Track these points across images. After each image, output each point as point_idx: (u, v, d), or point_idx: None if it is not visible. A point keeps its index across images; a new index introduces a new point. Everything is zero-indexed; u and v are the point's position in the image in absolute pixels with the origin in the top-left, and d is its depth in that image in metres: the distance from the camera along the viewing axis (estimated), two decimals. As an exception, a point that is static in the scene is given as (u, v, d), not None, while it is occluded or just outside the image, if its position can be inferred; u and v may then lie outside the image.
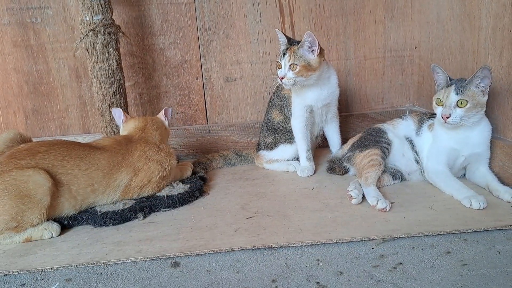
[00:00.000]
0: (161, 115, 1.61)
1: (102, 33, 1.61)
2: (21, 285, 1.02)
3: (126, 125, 1.54)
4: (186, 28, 1.97)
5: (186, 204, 1.44)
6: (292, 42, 1.61)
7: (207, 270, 1.04)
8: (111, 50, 1.65)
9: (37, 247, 1.19)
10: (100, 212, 1.31)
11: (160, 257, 1.10)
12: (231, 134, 2.05)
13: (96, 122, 2.02)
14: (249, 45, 2.00)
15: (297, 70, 1.53)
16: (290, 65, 1.54)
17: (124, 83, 1.74)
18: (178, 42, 1.99)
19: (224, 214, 1.34)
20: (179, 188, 1.46)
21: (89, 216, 1.30)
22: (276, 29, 1.65)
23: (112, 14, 1.68)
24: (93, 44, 1.62)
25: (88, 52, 1.64)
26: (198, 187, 1.51)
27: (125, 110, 1.72)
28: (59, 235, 1.25)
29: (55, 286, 1.00)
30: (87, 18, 1.61)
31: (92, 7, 1.60)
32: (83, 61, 1.93)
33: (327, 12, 1.99)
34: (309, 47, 1.56)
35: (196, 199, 1.48)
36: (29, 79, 1.96)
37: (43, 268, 1.07)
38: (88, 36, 1.61)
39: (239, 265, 1.05)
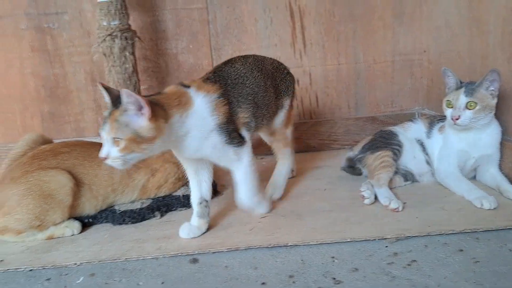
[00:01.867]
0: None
1: (119, 37, 1.66)
2: (46, 280, 1.05)
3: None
4: (199, 33, 2.02)
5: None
6: (117, 101, 1.07)
7: (225, 266, 1.07)
8: (127, 54, 1.69)
9: (59, 244, 1.23)
10: (119, 211, 1.34)
11: (179, 254, 1.13)
12: (242, 137, 2.09)
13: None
14: (260, 50, 2.04)
15: (122, 146, 1.05)
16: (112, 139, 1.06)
17: (140, 87, 1.78)
18: (191, 46, 2.03)
19: (238, 214, 1.37)
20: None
21: (108, 215, 1.34)
22: (99, 83, 1.10)
23: (128, 19, 1.73)
24: (110, 49, 1.67)
25: (105, 56, 1.68)
26: (213, 186, 1.55)
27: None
28: (80, 233, 1.29)
29: (80, 280, 1.03)
30: (105, 23, 1.66)
31: (109, 13, 1.64)
32: (99, 65, 1.97)
33: (337, 17, 2.03)
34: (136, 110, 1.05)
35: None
36: (46, 83, 2.01)
37: (67, 264, 1.11)
38: (105, 40, 1.65)
39: (256, 262, 1.08)
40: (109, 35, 1.65)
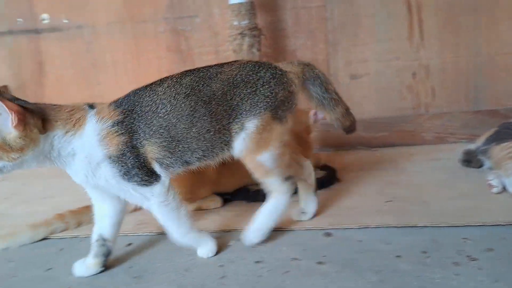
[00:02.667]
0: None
1: (248, 36, 1.83)
2: (202, 242, 1.23)
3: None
4: (316, 29, 2.13)
5: (323, 188, 1.57)
6: None
7: (358, 240, 1.16)
8: (254, 50, 1.86)
9: (206, 214, 1.42)
10: (252, 190, 1.50)
11: (313, 228, 1.25)
12: (355, 129, 2.16)
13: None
14: (375, 44, 2.09)
15: None
16: None
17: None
18: (308, 43, 2.15)
19: (362, 197, 1.46)
20: (318, 174, 1.61)
21: (243, 193, 1.51)
22: None
23: (256, 18, 1.90)
24: (240, 46, 1.85)
25: (235, 53, 1.87)
26: (333, 173, 1.65)
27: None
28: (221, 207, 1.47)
29: (231, 243, 1.20)
30: (236, 23, 1.85)
31: (240, 13, 1.83)
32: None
33: (457, 9, 2.01)
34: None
35: (332, 185, 1.61)
36: (178, 79, 2.26)
37: (215, 230, 1.29)
38: (236, 39, 1.84)
39: (388, 239, 1.15)
40: (240, 33, 1.83)
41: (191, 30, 2.20)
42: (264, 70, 1.13)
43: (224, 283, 1.01)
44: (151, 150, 1.06)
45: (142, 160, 1.05)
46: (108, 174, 1.03)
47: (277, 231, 1.25)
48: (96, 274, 1.11)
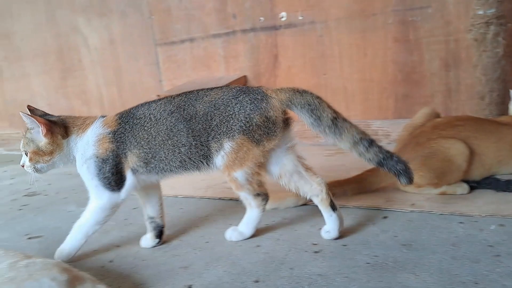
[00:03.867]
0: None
1: (494, 24, 1.80)
2: (459, 223, 1.31)
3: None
4: None
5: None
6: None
7: None
8: (500, 39, 1.81)
9: (452, 199, 1.48)
10: (503, 180, 1.51)
11: None
12: None
13: (458, 107, 2.23)
14: None
15: (29, 157, 1.29)
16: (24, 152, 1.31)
17: (506, 70, 1.88)
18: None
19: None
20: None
21: (492, 182, 1.52)
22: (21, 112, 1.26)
23: (502, 6, 1.85)
24: (484, 35, 1.83)
25: (477, 42, 1.86)
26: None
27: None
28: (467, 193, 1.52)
29: (493, 228, 1.25)
30: (481, 12, 1.83)
31: (487, 2, 1.80)
32: (453, 53, 2.17)
33: None
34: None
35: None
36: (403, 69, 2.34)
37: (471, 214, 1.34)
38: (480, 28, 1.82)
39: None
40: (485, 22, 1.81)
41: (421, 20, 2.24)
42: (244, 95, 1.22)
43: (500, 260, 1.07)
44: (131, 160, 1.25)
45: (119, 168, 1.25)
46: (90, 168, 1.25)
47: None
48: (156, 245, 1.36)
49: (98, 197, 1.27)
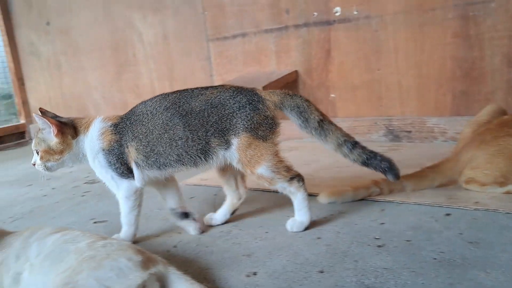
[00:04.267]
0: None
1: None
2: (530, 223, 1.27)
3: None
4: None
5: None
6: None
7: None
8: None
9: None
10: None
11: None
12: None
13: (523, 104, 2.14)
14: None
15: (40, 156, 1.38)
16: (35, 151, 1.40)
17: None
18: None
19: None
20: None
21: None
22: (34, 114, 1.38)
23: None
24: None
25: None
26: None
27: None
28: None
29: None
30: (551, 6, 1.75)
31: (558, -5, 1.72)
32: (518, 48, 2.08)
33: None
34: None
35: None
36: (462, 65, 2.27)
37: (542, 215, 1.30)
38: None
39: None
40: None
41: (483, 15, 2.17)
42: (241, 96, 1.30)
43: None
44: (132, 152, 1.32)
45: (124, 158, 1.32)
46: (101, 162, 1.33)
47: None
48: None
49: (119, 188, 1.35)
